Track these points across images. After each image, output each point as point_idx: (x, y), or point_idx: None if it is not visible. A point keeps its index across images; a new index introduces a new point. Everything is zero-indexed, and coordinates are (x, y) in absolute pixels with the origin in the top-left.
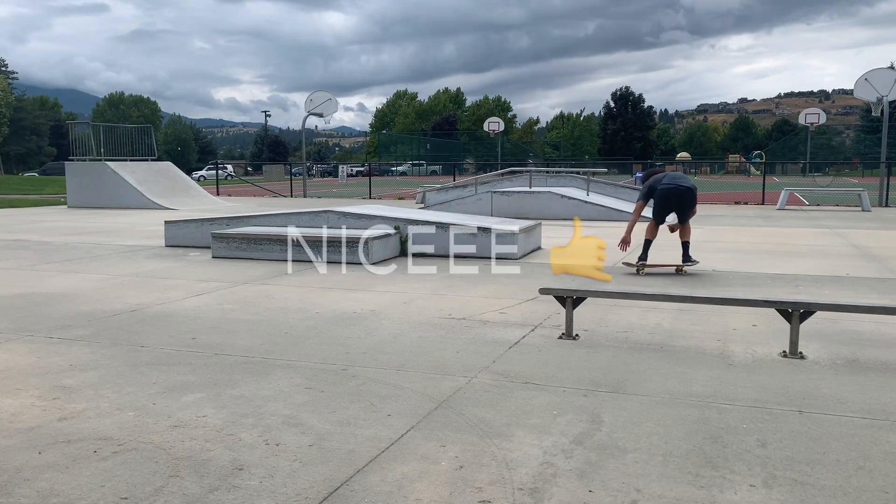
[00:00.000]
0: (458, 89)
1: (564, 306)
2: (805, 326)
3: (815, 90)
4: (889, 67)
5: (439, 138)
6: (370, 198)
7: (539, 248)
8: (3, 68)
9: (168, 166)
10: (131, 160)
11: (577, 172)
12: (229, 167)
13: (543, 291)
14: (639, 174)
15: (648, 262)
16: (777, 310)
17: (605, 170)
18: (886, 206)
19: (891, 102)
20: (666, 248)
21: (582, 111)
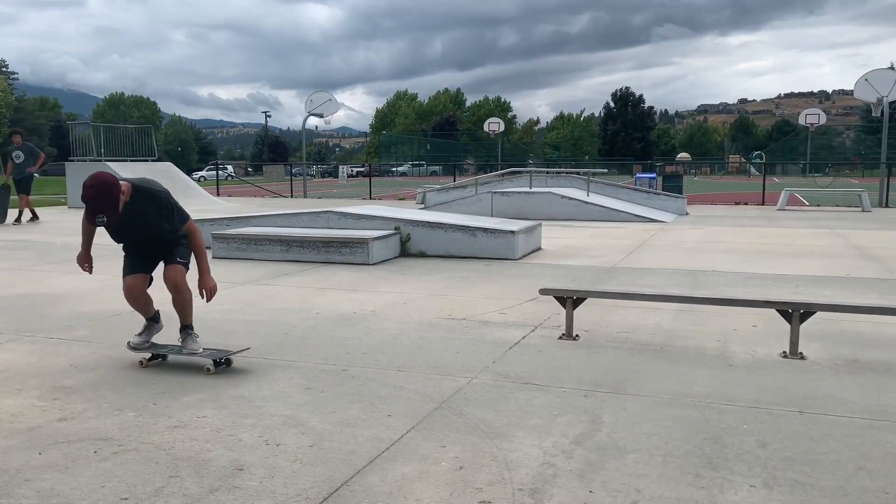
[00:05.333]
0: (459, 90)
1: (565, 307)
2: (805, 327)
3: (816, 90)
4: (889, 68)
5: (439, 139)
6: (370, 198)
7: (539, 248)
8: (4, 69)
9: (168, 167)
10: (132, 161)
11: (578, 173)
12: (229, 168)
13: (543, 292)
14: (639, 175)
15: None
16: (777, 310)
17: (606, 170)
18: (887, 206)
19: (891, 103)
20: (666, 248)
21: (582, 112)
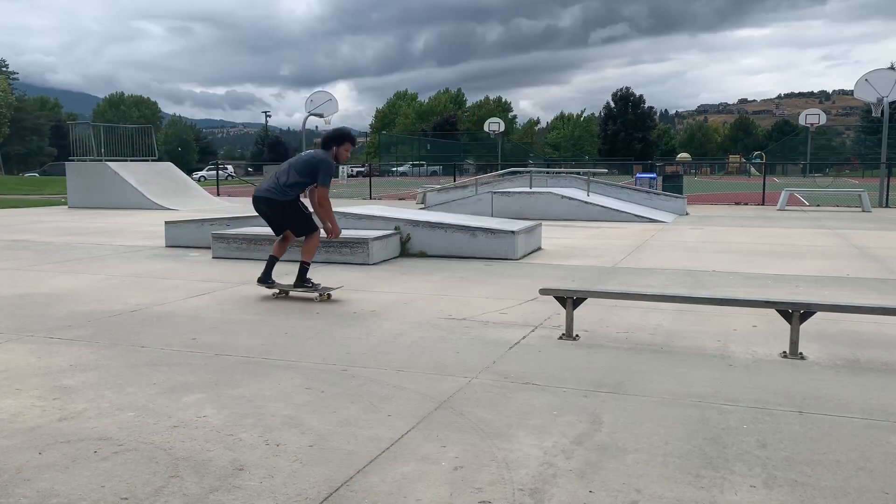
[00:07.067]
0: (459, 90)
1: (565, 307)
2: (805, 327)
3: (816, 90)
4: (889, 68)
5: (440, 139)
6: (370, 198)
7: (539, 248)
8: (4, 69)
9: (168, 167)
10: (132, 160)
11: (578, 173)
12: (230, 167)
13: (544, 292)
14: (639, 175)
15: None
16: (777, 310)
17: (606, 170)
18: (887, 206)
19: (891, 103)
20: (665, 248)
21: (582, 112)
